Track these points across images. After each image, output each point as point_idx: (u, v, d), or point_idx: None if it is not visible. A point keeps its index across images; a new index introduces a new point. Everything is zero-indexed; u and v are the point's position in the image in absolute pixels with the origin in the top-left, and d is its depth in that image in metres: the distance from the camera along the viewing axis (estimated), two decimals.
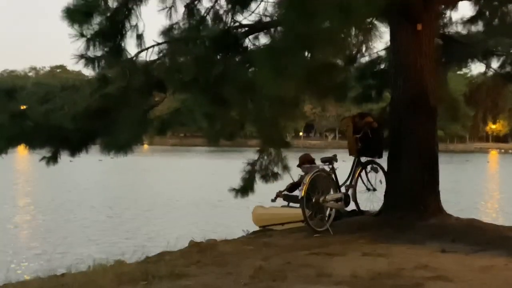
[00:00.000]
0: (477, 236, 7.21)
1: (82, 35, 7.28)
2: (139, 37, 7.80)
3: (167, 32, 8.12)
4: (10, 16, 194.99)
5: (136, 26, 7.74)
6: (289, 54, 5.65)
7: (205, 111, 7.62)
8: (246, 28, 8.25)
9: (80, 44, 7.36)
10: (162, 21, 8.24)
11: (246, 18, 8.21)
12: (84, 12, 7.14)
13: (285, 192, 9.35)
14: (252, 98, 7.69)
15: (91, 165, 32.58)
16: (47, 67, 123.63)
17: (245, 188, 10.22)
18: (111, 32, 7.57)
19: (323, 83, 7.58)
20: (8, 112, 7.59)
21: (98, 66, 7.62)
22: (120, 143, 7.73)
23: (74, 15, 7.08)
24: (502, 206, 25.38)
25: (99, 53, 7.53)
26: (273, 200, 9.53)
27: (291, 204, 9.22)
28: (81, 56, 7.48)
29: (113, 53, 7.58)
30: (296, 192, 8.88)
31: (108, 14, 7.45)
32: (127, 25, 7.67)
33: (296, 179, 9.44)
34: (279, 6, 5.92)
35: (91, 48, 7.43)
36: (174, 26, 8.19)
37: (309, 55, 6.13)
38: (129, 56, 7.83)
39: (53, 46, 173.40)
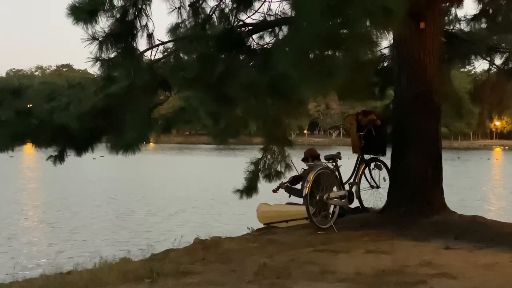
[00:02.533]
0: (481, 233, 7.23)
1: (94, 38, 7.29)
2: (150, 36, 7.82)
3: (173, 31, 8.14)
4: (15, 16, 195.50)
5: (146, 26, 7.75)
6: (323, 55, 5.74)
7: (209, 110, 7.64)
8: (250, 27, 8.26)
9: (93, 47, 7.36)
10: (167, 20, 8.27)
11: (249, 17, 8.22)
12: (89, 10, 7.13)
13: (287, 184, 9.35)
14: (256, 96, 7.70)
15: (87, 163, 32.53)
16: (53, 66, 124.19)
17: (249, 189, 10.24)
18: (123, 33, 7.57)
19: (358, 82, 7.67)
20: (13, 109, 7.62)
21: (113, 67, 7.62)
22: (127, 142, 7.77)
23: (78, 13, 7.08)
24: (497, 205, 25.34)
25: (112, 54, 7.54)
26: (275, 191, 9.50)
27: (293, 199, 9.22)
28: (97, 59, 7.50)
29: (126, 54, 7.57)
30: (298, 186, 8.89)
31: (118, 16, 7.45)
32: (138, 25, 7.68)
33: (300, 172, 9.45)
34: (297, 8, 5.86)
35: (104, 50, 7.43)
36: (180, 25, 8.20)
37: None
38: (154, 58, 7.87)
39: (59, 45, 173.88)
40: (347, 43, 5.64)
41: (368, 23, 5.39)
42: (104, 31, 7.37)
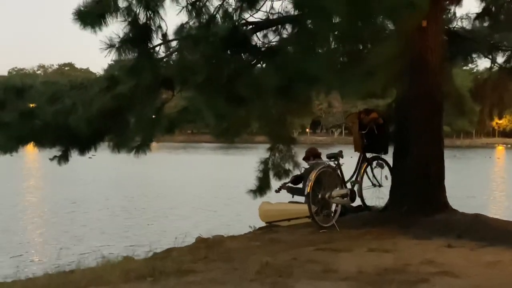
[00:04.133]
0: (483, 231, 7.21)
1: (111, 45, 7.24)
2: (164, 36, 7.78)
3: (178, 31, 8.11)
4: (17, 15, 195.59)
5: (160, 26, 7.71)
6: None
7: (217, 111, 7.64)
8: (253, 26, 8.25)
9: (112, 53, 7.31)
10: (171, 21, 8.25)
11: (252, 16, 8.21)
12: (95, 14, 7.06)
13: (289, 184, 9.35)
14: (262, 96, 7.70)
15: (84, 162, 32.55)
16: (55, 65, 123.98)
17: (262, 187, 10.25)
18: (138, 36, 7.51)
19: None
20: (17, 111, 7.62)
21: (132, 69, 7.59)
22: (133, 142, 7.79)
23: (85, 18, 7.00)
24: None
25: (131, 57, 7.50)
26: (277, 191, 9.51)
27: (296, 198, 9.23)
28: (121, 61, 7.48)
29: (143, 56, 7.53)
30: (300, 185, 8.90)
31: (127, 18, 7.40)
32: (152, 26, 7.63)
33: (301, 171, 9.45)
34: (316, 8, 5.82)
35: (123, 54, 7.39)
36: (185, 25, 8.18)
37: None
38: (159, 56, 7.85)
39: (61, 43, 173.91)
40: (377, 38, 5.66)
41: (391, 18, 5.42)
42: (119, 36, 7.32)
